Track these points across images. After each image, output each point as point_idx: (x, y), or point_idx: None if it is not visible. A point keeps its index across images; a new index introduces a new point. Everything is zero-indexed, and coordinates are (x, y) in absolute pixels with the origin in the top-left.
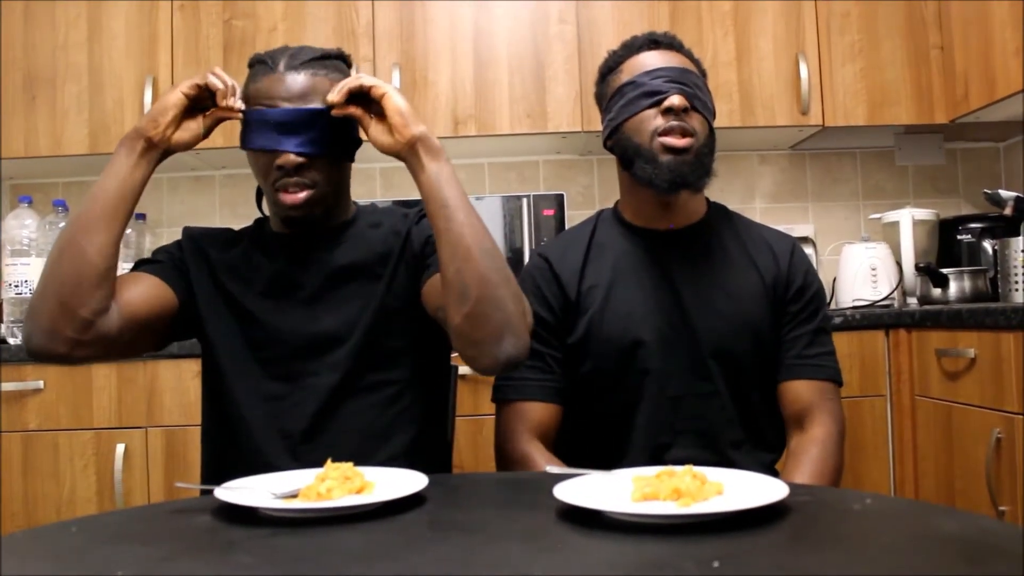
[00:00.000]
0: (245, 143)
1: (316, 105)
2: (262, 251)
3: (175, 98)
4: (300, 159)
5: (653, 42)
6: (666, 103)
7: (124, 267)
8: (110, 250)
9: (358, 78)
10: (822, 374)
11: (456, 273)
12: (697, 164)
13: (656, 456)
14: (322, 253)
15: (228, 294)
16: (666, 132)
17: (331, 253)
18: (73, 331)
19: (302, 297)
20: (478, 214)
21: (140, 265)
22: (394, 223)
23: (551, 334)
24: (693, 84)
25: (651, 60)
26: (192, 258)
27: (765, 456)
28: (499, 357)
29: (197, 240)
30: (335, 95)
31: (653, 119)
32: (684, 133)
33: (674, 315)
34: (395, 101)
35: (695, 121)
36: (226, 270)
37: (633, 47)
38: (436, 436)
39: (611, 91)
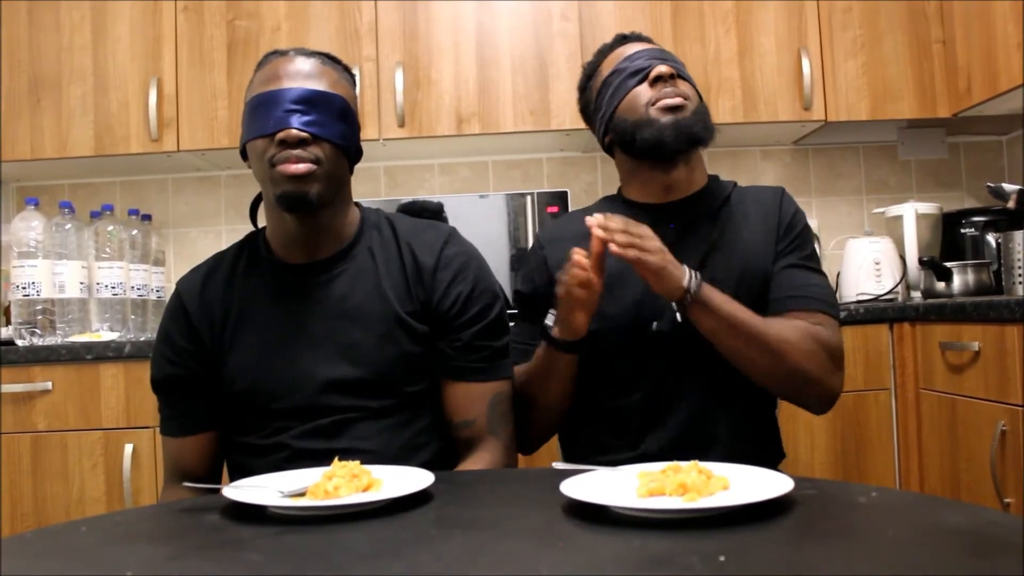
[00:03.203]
0: (249, 133)
1: (324, 88)
2: (260, 287)
3: None
4: (303, 134)
5: (623, 38)
6: (653, 73)
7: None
8: None
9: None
10: (813, 305)
11: None
12: (698, 118)
13: (662, 418)
14: (326, 289)
15: (234, 349)
16: (659, 98)
17: (335, 287)
18: None
19: (310, 342)
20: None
21: (166, 427)
22: (410, 245)
23: (533, 310)
24: (673, 59)
25: (626, 50)
26: (190, 339)
27: (766, 397)
28: None
29: (186, 309)
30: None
31: (644, 92)
32: (676, 95)
33: None
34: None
35: (685, 87)
36: (227, 320)
37: (605, 50)
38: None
39: (595, 92)
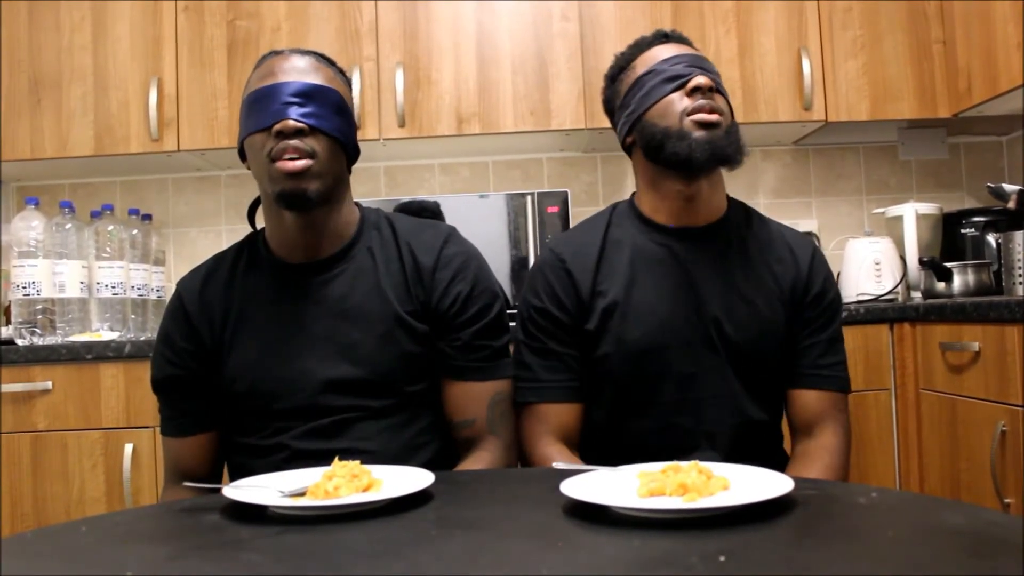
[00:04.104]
0: (247, 129)
1: (320, 82)
2: (260, 287)
3: None
4: (300, 124)
5: (663, 36)
6: (692, 83)
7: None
8: None
9: None
10: (834, 385)
11: None
12: (731, 138)
13: (670, 445)
14: (325, 289)
15: (234, 349)
16: (695, 111)
17: (334, 287)
18: None
19: (309, 342)
20: None
21: (166, 427)
22: (410, 244)
23: (566, 333)
24: (711, 70)
25: (665, 51)
26: (190, 339)
27: (775, 425)
28: None
29: (186, 310)
30: None
31: (680, 101)
32: (713, 111)
33: (693, 316)
34: None
35: (721, 102)
36: (227, 320)
37: (643, 44)
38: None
39: (625, 88)
